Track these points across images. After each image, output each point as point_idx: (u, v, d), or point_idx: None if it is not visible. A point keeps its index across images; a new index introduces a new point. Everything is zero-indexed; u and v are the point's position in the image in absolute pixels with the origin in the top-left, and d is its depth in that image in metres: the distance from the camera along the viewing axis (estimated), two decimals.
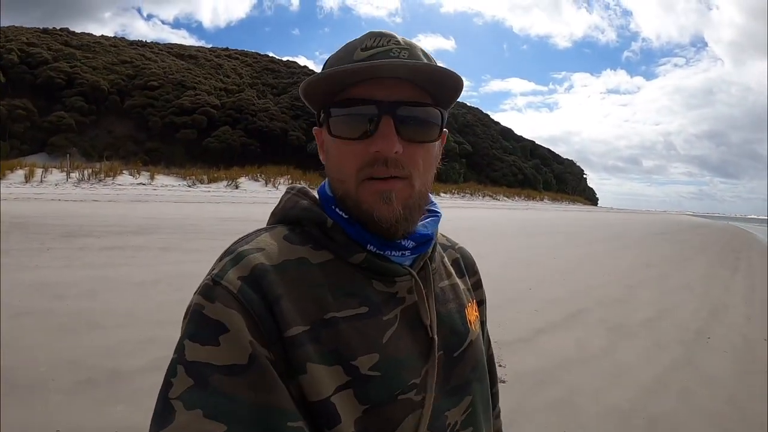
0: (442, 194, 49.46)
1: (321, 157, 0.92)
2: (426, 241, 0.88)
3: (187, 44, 77.34)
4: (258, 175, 36.40)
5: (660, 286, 9.90)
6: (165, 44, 71.45)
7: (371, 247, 0.82)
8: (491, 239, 14.73)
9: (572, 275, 10.11)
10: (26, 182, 22.83)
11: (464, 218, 24.06)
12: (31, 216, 10.66)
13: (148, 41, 71.41)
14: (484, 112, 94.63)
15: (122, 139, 42.64)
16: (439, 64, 0.83)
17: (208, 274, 0.75)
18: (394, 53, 0.82)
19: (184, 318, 0.73)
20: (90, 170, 26.13)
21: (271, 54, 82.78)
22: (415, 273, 0.85)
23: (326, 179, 0.92)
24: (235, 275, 0.73)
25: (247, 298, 0.71)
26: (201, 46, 75.51)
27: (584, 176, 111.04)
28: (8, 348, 3.79)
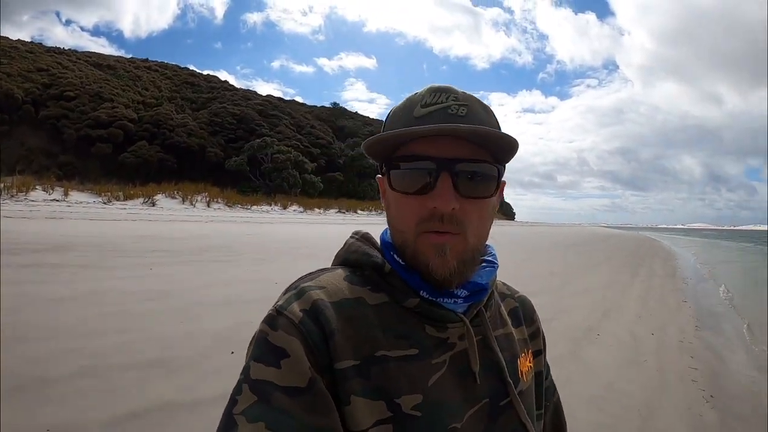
0: (359, 211, 49.89)
1: (383, 204, 0.99)
2: (479, 290, 0.92)
3: (106, 53, 74.87)
4: (175, 192, 35.86)
5: (560, 292, 10.83)
6: (83, 52, 68.97)
7: (424, 294, 0.87)
8: None
9: None
10: None
11: (378, 233, 24.64)
12: None
13: (66, 48, 68.76)
14: None
15: (35, 151, 40.92)
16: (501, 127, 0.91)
17: (273, 306, 0.85)
18: (452, 110, 0.87)
19: (250, 345, 0.82)
20: (1, 185, 25.27)
21: (191, 67, 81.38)
22: (467, 320, 0.90)
23: (387, 226, 1.00)
24: (298, 308, 0.82)
25: (307, 328, 0.79)
26: (120, 56, 73.29)
27: None
28: None
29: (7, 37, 60.09)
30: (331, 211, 46.83)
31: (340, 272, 0.91)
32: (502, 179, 0.93)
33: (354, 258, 0.95)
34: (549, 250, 24.46)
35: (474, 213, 0.88)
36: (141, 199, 31.63)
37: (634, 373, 5.76)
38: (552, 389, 1.14)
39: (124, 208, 26.48)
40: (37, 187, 27.88)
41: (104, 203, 28.20)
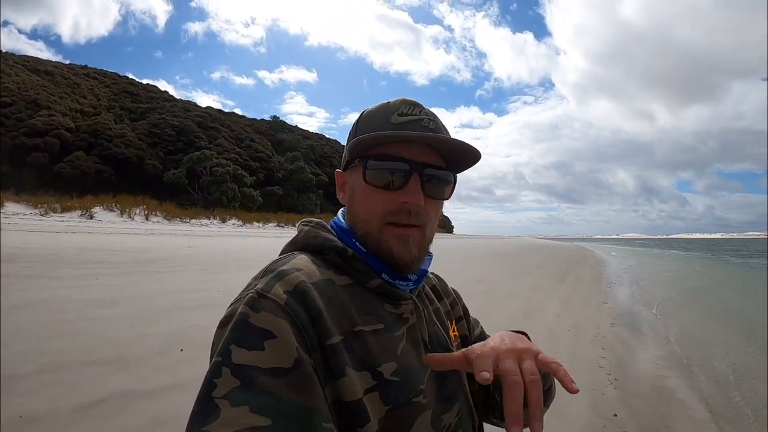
0: (288, 225, 49.86)
1: (340, 197, 1.10)
2: (423, 275, 1.06)
3: (43, 58, 72.57)
4: (113, 204, 35.19)
5: (486, 297, 11.42)
6: (21, 56, 66.67)
7: (385, 276, 0.98)
8: None
9: None
10: None
11: None
12: None
13: (2, 51, 66.82)
14: (343, 144, 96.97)
15: None
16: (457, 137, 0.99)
17: (250, 289, 0.87)
18: (425, 123, 1.00)
19: (221, 327, 0.83)
20: None
21: (131, 75, 79.83)
22: (415, 298, 1.03)
23: (340, 214, 1.11)
24: (281, 289, 0.84)
25: (294, 309, 0.82)
26: (59, 62, 71.18)
27: None
28: None
29: None
30: (270, 224, 46.66)
31: (305, 257, 0.97)
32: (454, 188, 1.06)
33: (316, 243, 1.01)
34: (481, 260, 25.34)
35: (432, 211, 1.01)
36: (78, 212, 30.91)
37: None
38: (477, 325, 1.31)
39: (62, 221, 25.99)
40: None
41: (41, 215, 27.53)
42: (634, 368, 6.60)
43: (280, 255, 1.03)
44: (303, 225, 1.09)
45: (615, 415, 4.88)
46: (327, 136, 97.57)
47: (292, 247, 1.06)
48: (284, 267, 0.91)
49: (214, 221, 41.47)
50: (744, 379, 6.48)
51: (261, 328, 0.79)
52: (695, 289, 18.13)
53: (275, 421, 0.71)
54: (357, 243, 1.01)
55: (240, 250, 18.69)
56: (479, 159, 1.03)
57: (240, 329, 0.79)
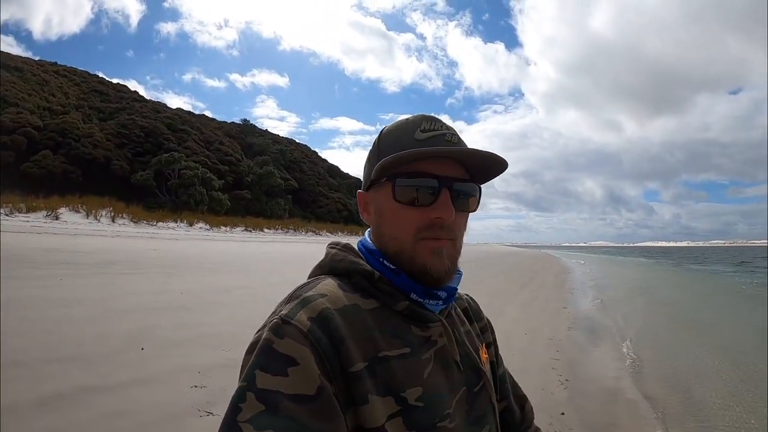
0: (266, 230, 49.71)
1: (364, 217, 1.09)
2: (453, 293, 1.04)
3: (13, 53, 71.33)
4: (79, 205, 34.94)
5: None
6: None
7: (414, 295, 0.97)
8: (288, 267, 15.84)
9: None
10: None
11: (283, 251, 25.07)
12: None
13: None
14: (313, 149, 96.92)
15: None
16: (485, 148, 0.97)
17: (275, 315, 0.89)
18: (448, 137, 1.00)
19: (248, 353, 0.86)
20: None
21: (101, 74, 78.78)
22: (444, 320, 1.02)
23: (367, 235, 1.09)
24: (305, 316, 0.86)
25: (316, 336, 0.84)
26: (28, 58, 69.88)
27: None
28: None
29: None
30: (238, 229, 46.70)
31: (332, 281, 0.97)
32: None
33: (342, 266, 1.02)
34: None
35: (462, 224, 1.03)
36: (44, 212, 30.67)
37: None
38: (505, 376, 1.30)
39: (27, 221, 25.82)
40: None
41: (6, 215, 27.21)
42: (585, 370, 6.77)
43: (308, 278, 1.05)
44: (330, 248, 1.09)
45: (562, 414, 5.02)
46: (297, 141, 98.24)
47: (320, 270, 1.06)
48: (309, 293, 0.92)
49: (182, 224, 41.28)
50: (693, 379, 6.73)
51: (284, 355, 0.81)
52: (650, 292, 18.74)
53: None
54: (385, 262, 1.01)
55: (205, 254, 18.74)
56: (506, 168, 1.04)
57: (264, 355, 0.82)
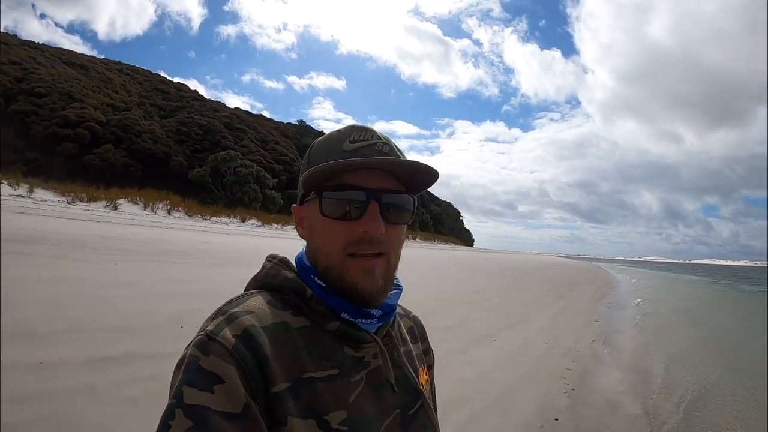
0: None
1: (299, 232, 1.06)
2: (390, 311, 1.02)
3: (79, 52, 74.32)
4: (138, 198, 36.14)
5: (477, 306, 11.89)
6: (57, 49, 68.18)
7: (345, 315, 0.95)
8: None
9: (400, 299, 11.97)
10: None
11: None
12: None
13: (40, 42, 68.38)
14: None
15: (1, 146, 40.99)
16: (416, 158, 0.97)
17: (201, 331, 0.86)
18: (378, 147, 0.98)
19: (177, 368, 0.84)
20: None
21: (162, 74, 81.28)
22: (379, 340, 0.99)
23: (303, 250, 1.06)
24: (230, 333, 0.84)
25: (241, 354, 0.82)
26: (93, 57, 72.71)
27: (461, 218, 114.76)
28: None
29: None
30: (289, 227, 46.68)
31: (262, 298, 0.95)
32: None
33: (276, 282, 0.99)
34: (489, 273, 25.60)
35: (395, 237, 0.99)
36: (104, 202, 31.78)
37: (510, 368, 6.91)
38: (434, 394, 1.24)
39: (88, 210, 26.85)
40: (3, 181, 28.05)
41: (68, 203, 28.53)
42: (595, 381, 6.89)
43: (244, 290, 1.03)
44: (267, 261, 1.07)
45: (556, 419, 5.23)
46: None
47: (255, 284, 1.04)
48: (235, 309, 0.90)
49: (234, 220, 42.05)
50: (702, 400, 6.69)
51: (210, 372, 0.80)
52: (692, 312, 18.37)
53: None
54: (317, 279, 0.99)
55: (254, 249, 19.16)
56: (437, 178, 1.02)
57: (191, 371, 0.81)
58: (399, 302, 1.12)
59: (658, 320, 14.42)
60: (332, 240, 0.96)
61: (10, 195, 25.54)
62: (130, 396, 4.03)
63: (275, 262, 1.05)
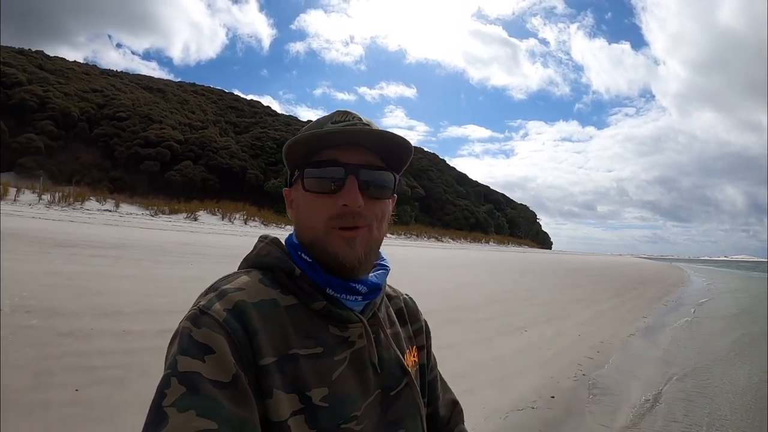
0: (389, 235, 50.61)
1: (289, 214, 1.11)
2: (376, 289, 1.05)
3: (156, 77, 78.20)
4: (216, 209, 37.84)
5: (523, 302, 12.20)
6: (135, 75, 72.27)
7: (330, 291, 0.99)
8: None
9: (447, 293, 12.38)
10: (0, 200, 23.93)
11: (397, 254, 25.79)
12: (22, 229, 12.62)
13: (118, 70, 72.36)
14: (441, 157, 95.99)
15: (88, 166, 43.54)
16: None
17: (194, 306, 0.91)
18: (359, 126, 1.00)
19: (171, 342, 0.89)
20: (60, 194, 27.59)
21: (236, 92, 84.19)
22: (365, 320, 1.02)
23: (293, 231, 1.09)
24: (221, 307, 0.88)
25: (232, 327, 0.85)
26: (169, 80, 76.58)
27: (538, 221, 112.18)
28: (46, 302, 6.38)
29: (64, 59, 63.44)
30: None
31: (254, 274, 1.00)
32: (396, 189, 1.09)
33: (266, 261, 1.04)
34: (548, 272, 25.48)
35: (378, 210, 1.04)
36: (184, 214, 33.55)
37: (528, 355, 7.26)
38: (436, 382, 1.31)
39: (169, 221, 28.48)
40: (91, 198, 30.30)
41: (151, 215, 30.40)
42: (610, 370, 6.93)
43: (237, 269, 1.07)
44: (259, 241, 1.11)
45: (552, 397, 5.47)
46: (426, 149, 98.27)
47: (246, 263, 1.08)
48: (227, 286, 0.95)
49: None
50: (704, 406, 5.98)
51: (202, 343, 0.84)
52: (754, 315, 16.44)
53: (219, 426, 0.77)
54: (303, 255, 1.02)
55: None
56: (410, 150, 1.06)
57: (184, 342, 0.85)
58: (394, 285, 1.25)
59: (715, 321, 13.42)
60: (315, 214, 1.01)
61: (98, 209, 27.64)
62: None
63: (266, 242, 1.10)
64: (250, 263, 1.08)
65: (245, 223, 37.35)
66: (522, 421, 4.86)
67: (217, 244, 17.10)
